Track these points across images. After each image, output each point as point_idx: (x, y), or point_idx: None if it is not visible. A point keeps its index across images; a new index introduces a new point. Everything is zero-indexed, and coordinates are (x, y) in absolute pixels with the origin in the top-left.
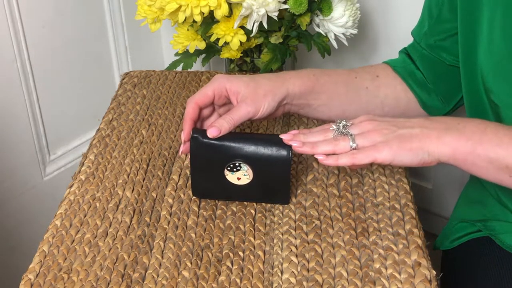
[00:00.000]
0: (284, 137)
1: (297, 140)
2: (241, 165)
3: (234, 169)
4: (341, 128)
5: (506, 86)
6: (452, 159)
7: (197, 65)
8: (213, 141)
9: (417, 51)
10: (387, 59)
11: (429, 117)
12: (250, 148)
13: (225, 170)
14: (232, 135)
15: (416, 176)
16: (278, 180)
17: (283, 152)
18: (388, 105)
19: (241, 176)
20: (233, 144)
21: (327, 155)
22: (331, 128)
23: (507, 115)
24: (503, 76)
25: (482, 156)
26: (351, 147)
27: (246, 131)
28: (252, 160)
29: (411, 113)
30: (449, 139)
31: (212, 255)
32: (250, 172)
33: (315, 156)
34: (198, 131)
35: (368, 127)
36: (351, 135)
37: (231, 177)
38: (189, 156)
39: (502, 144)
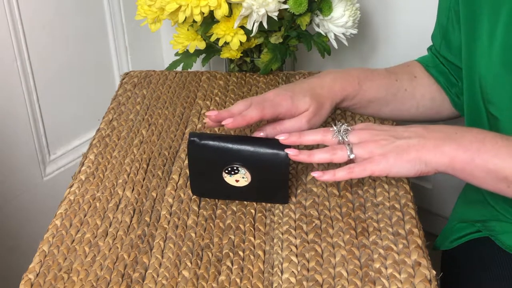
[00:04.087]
0: (282, 137)
1: (294, 149)
2: (239, 168)
3: (232, 172)
4: (341, 131)
5: (505, 98)
6: (450, 169)
7: (197, 65)
8: (210, 144)
9: (440, 54)
10: (387, 59)
11: (427, 125)
12: (247, 152)
13: (223, 173)
14: (229, 138)
15: (416, 176)
16: (277, 182)
17: (281, 154)
18: (424, 106)
19: (239, 178)
20: (230, 147)
21: (324, 171)
22: (331, 129)
23: (505, 127)
24: (502, 88)
25: (480, 167)
26: (349, 156)
27: (245, 131)
28: (249, 163)
29: (444, 113)
30: (447, 149)
31: (212, 254)
32: (248, 175)
33: (311, 173)
34: (196, 134)
35: (366, 137)
36: (348, 144)
37: (229, 179)
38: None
39: (500, 154)
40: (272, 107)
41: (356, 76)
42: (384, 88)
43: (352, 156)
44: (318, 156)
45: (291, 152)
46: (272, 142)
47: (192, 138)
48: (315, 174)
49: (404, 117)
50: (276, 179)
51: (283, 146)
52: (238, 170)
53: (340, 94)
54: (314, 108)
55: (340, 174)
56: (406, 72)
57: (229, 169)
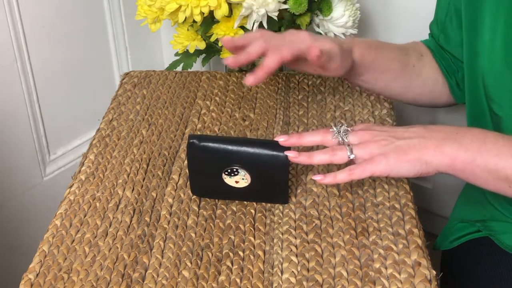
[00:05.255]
0: (281, 138)
1: (293, 151)
2: (239, 170)
3: (232, 174)
4: (341, 132)
5: (507, 96)
6: (451, 169)
7: (197, 65)
8: (210, 146)
9: (439, 45)
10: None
11: (427, 126)
12: (247, 153)
13: (223, 174)
14: (229, 140)
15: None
16: (277, 183)
17: (281, 156)
18: (428, 86)
19: (239, 180)
20: (230, 149)
21: (325, 174)
22: (330, 130)
23: (507, 126)
24: (504, 86)
25: (481, 167)
26: (349, 157)
27: (245, 131)
28: (249, 165)
29: (444, 98)
30: (448, 149)
31: (212, 254)
32: (248, 176)
33: (313, 177)
34: (195, 136)
35: (366, 137)
36: (348, 145)
37: (229, 180)
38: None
39: (501, 154)
40: (291, 46)
41: (372, 44)
42: (396, 60)
43: (352, 157)
44: (318, 158)
45: (290, 154)
46: (271, 144)
47: (191, 140)
48: (316, 177)
49: (409, 96)
50: (276, 180)
51: (282, 148)
52: (238, 172)
53: (358, 54)
54: (338, 49)
55: (341, 176)
56: (415, 49)
57: (229, 170)
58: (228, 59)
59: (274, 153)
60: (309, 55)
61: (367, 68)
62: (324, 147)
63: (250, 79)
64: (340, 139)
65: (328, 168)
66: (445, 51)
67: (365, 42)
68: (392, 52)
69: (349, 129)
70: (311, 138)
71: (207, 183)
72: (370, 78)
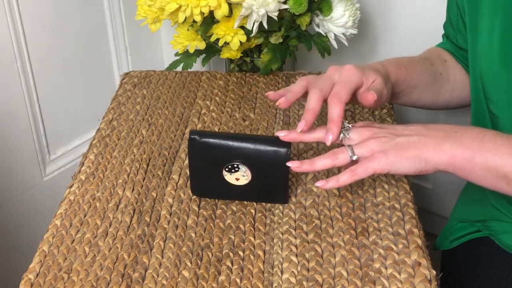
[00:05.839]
0: (282, 133)
1: (295, 161)
2: (239, 166)
3: (232, 170)
4: (342, 128)
5: (504, 97)
6: (450, 167)
7: (197, 65)
8: (211, 142)
9: (457, 45)
10: (388, 57)
11: (427, 124)
12: (248, 149)
13: (223, 171)
14: (230, 136)
15: (416, 176)
16: (277, 180)
17: (282, 151)
18: (457, 89)
19: (240, 177)
20: (231, 145)
21: (327, 179)
22: None
23: (505, 125)
24: (501, 86)
25: (480, 165)
26: (351, 158)
27: (245, 131)
28: (250, 161)
29: None
30: (447, 147)
31: (212, 254)
32: (248, 173)
33: (315, 184)
34: (196, 132)
35: (366, 134)
36: (348, 145)
37: (230, 177)
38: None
39: (500, 153)
40: (347, 87)
41: (401, 62)
42: (425, 73)
43: (354, 158)
44: (320, 163)
45: (292, 165)
46: (272, 139)
47: (192, 136)
48: (318, 183)
49: (440, 103)
50: (277, 176)
51: (283, 143)
52: (239, 168)
53: (393, 77)
54: (383, 81)
55: (344, 178)
56: (437, 56)
57: (229, 167)
58: (275, 98)
59: (275, 148)
60: (364, 99)
61: (400, 86)
62: (325, 148)
63: (302, 125)
64: (342, 135)
65: (328, 169)
66: (464, 51)
67: (394, 62)
68: (419, 66)
69: (349, 126)
70: (311, 135)
71: (207, 181)
72: (403, 95)
